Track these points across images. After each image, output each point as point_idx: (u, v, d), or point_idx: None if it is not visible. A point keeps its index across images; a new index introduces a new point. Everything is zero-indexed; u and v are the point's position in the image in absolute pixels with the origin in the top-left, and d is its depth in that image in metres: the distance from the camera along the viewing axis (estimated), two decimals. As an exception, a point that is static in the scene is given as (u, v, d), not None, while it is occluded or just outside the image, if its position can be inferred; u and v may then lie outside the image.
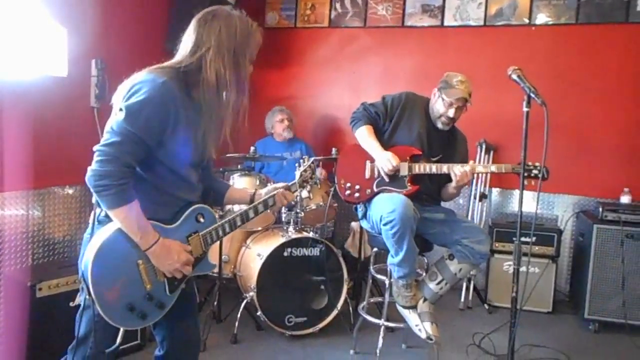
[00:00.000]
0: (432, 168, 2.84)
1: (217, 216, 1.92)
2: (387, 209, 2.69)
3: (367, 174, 2.97)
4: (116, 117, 1.61)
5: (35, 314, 2.54)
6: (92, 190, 1.58)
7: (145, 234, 1.65)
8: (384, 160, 2.84)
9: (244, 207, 2.02)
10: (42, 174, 2.97)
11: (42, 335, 2.53)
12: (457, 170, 2.75)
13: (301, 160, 2.21)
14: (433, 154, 2.93)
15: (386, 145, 2.95)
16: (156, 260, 1.69)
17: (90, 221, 1.72)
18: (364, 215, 3.02)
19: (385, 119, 3.00)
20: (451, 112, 2.87)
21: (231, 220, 1.92)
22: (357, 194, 2.98)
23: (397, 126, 2.99)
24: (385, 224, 2.68)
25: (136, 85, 1.62)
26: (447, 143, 3.00)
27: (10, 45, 2.83)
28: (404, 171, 2.87)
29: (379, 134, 2.99)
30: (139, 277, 1.69)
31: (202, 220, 1.84)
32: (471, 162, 2.82)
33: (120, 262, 1.66)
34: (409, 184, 2.87)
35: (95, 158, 1.57)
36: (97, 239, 1.64)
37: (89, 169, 1.57)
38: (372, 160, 2.94)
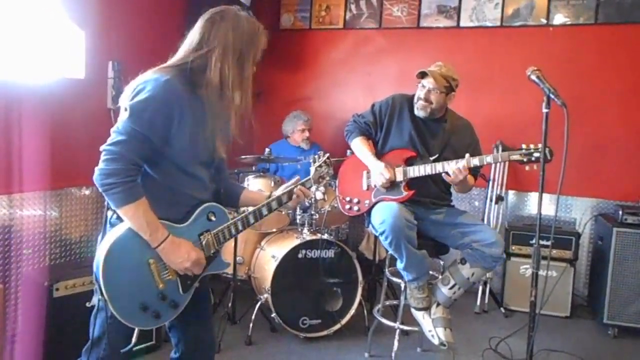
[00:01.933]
0: (427, 169, 2.77)
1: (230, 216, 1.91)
2: (378, 220, 2.70)
3: (364, 186, 2.97)
4: (121, 117, 1.63)
5: (52, 314, 2.56)
6: (99, 189, 1.60)
7: (155, 231, 1.65)
8: (377, 174, 2.84)
9: None
10: (59, 175, 3.00)
11: (59, 336, 2.55)
12: (449, 169, 2.66)
13: (316, 156, 2.18)
14: (431, 152, 2.87)
15: (381, 152, 2.94)
16: (166, 257, 1.70)
17: (103, 224, 1.73)
18: (369, 223, 3.00)
19: (376, 128, 3.00)
20: (421, 94, 2.83)
21: (244, 218, 1.90)
22: (356, 207, 2.98)
23: (389, 131, 2.97)
24: (380, 235, 2.70)
25: (140, 84, 1.64)
26: (443, 136, 2.90)
27: (29, 48, 2.86)
28: (400, 177, 2.83)
29: (374, 144, 2.99)
30: (150, 276, 1.70)
31: (213, 218, 1.84)
32: (467, 155, 2.67)
33: (131, 261, 1.66)
34: (404, 190, 2.83)
35: (102, 157, 1.60)
36: (108, 239, 1.65)
37: (96, 168, 1.60)
38: (369, 171, 2.94)
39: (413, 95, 2.95)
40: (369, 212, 2.94)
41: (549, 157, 2.45)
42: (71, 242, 3.16)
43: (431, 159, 2.83)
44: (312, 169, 2.14)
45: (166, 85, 1.63)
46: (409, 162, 2.86)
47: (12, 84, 2.75)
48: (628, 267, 3.54)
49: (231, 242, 3.41)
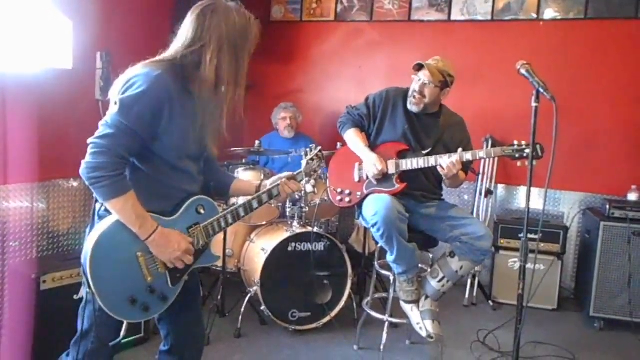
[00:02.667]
0: (420, 162, 2.79)
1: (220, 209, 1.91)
2: (370, 212, 2.70)
3: (356, 177, 2.97)
4: (111, 111, 1.62)
5: (39, 307, 2.55)
6: (86, 182, 1.59)
7: (144, 224, 1.65)
8: (370, 165, 2.83)
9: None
10: (46, 166, 2.96)
11: (47, 328, 2.54)
12: (443, 162, 2.67)
13: (308, 150, 2.17)
14: (423, 146, 2.88)
15: (373, 145, 2.94)
16: (156, 249, 1.69)
17: (91, 216, 1.72)
18: (360, 215, 3.01)
19: (370, 120, 3.00)
20: (416, 86, 2.83)
21: (234, 210, 1.89)
22: (347, 199, 2.97)
23: (382, 124, 2.97)
24: (371, 227, 2.70)
25: (131, 79, 1.62)
26: (436, 131, 2.91)
27: (16, 38, 2.82)
28: (392, 169, 2.84)
29: (367, 136, 2.99)
30: (139, 270, 1.69)
31: (202, 211, 1.83)
32: (460, 150, 2.70)
33: (119, 254, 1.66)
34: (396, 183, 2.84)
35: (89, 151, 1.58)
36: (96, 232, 1.64)
37: (83, 161, 1.58)
38: (361, 162, 2.94)
39: (408, 89, 2.95)
40: (360, 204, 2.95)
41: (540, 154, 2.48)
42: (59, 235, 3.13)
43: (423, 152, 2.84)
44: (304, 163, 2.12)
45: (157, 80, 1.61)
46: (402, 155, 2.86)
47: (-2, 74, 2.71)
48: (615, 261, 3.58)
49: (221, 235, 3.38)
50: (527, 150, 2.53)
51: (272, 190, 2.00)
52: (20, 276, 2.65)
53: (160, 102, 1.62)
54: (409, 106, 2.89)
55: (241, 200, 1.97)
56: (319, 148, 2.17)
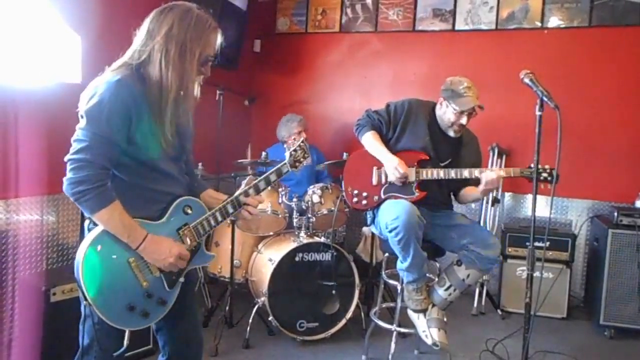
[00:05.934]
0: (440, 173, 2.83)
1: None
2: (391, 216, 2.70)
3: (374, 181, 2.97)
4: (79, 125, 1.62)
5: (49, 319, 2.56)
6: (71, 199, 1.59)
7: (133, 232, 1.64)
8: (392, 169, 2.84)
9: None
10: (56, 179, 2.97)
11: (56, 340, 2.55)
12: (462, 176, 2.76)
13: (290, 142, 2.16)
14: (441, 158, 2.92)
15: (393, 152, 2.95)
16: (149, 256, 1.68)
17: (79, 232, 1.73)
18: (373, 221, 3.01)
19: (389, 127, 3.00)
20: (464, 120, 2.84)
21: (222, 208, 1.87)
22: (364, 201, 2.98)
23: (403, 133, 2.98)
24: (390, 231, 2.69)
25: (92, 90, 1.63)
26: (454, 146, 2.97)
27: (25, 53, 2.87)
28: (412, 177, 2.86)
29: (385, 142, 3.00)
30: (133, 276, 1.68)
31: (189, 212, 1.81)
32: (478, 170, 2.78)
33: (111, 262, 1.65)
34: (416, 190, 2.86)
35: (69, 167, 1.59)
36: (85, 242, 1.64)
37: (64, 179, 1.59)
38: (379, 166, 2.94)
39: (430, 103, 3.00)
40: (374, 208, 2.95)
41: (555, 180, 2.52)
42: (68, 247, 3.15)
43: (442, 164, 2.89)
44: (287, 154, 2.07)
45: (118, 85, 1.61)
46: (421, 164, 2.89)
47: (8, 89, 2.75)
48: (624, 268, 3.55)
49: (228, 246, 3.42)
50: (544, 174, 2.58)
51: (258, 184, 1.96)
52: (30, 288, 2.67)
53: (124, 105, 1.61)
54: (452, 134, 2.92)
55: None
56: (302, 139, 2.16)
